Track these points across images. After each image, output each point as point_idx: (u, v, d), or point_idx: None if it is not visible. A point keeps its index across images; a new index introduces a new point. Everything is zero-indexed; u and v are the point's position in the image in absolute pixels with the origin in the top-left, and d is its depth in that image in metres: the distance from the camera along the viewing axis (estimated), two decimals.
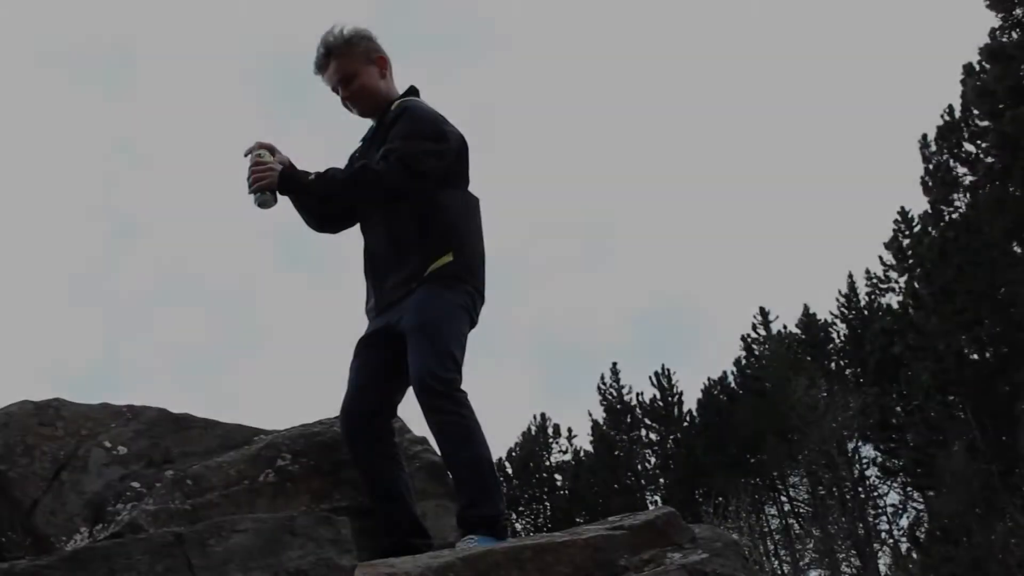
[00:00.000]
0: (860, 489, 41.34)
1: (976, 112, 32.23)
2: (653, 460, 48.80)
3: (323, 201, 4.21)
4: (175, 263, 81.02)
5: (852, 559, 39.51)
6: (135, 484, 4.06)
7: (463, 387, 3.99)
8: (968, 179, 33.31)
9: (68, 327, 75.86)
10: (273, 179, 4.02)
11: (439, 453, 4.07)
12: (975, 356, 32.18)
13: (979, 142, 32.68)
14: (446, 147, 4.14)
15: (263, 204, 4.03)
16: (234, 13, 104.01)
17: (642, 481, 47.57)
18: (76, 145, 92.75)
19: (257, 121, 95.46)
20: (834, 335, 47.21)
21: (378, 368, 4.17)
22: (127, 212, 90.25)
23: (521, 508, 48.47)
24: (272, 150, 4.12)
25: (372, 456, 4.11)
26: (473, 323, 4.19)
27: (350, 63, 4.29)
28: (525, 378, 74.00)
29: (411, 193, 4.06)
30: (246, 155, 4.12)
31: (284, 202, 4.13)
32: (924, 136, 34.98)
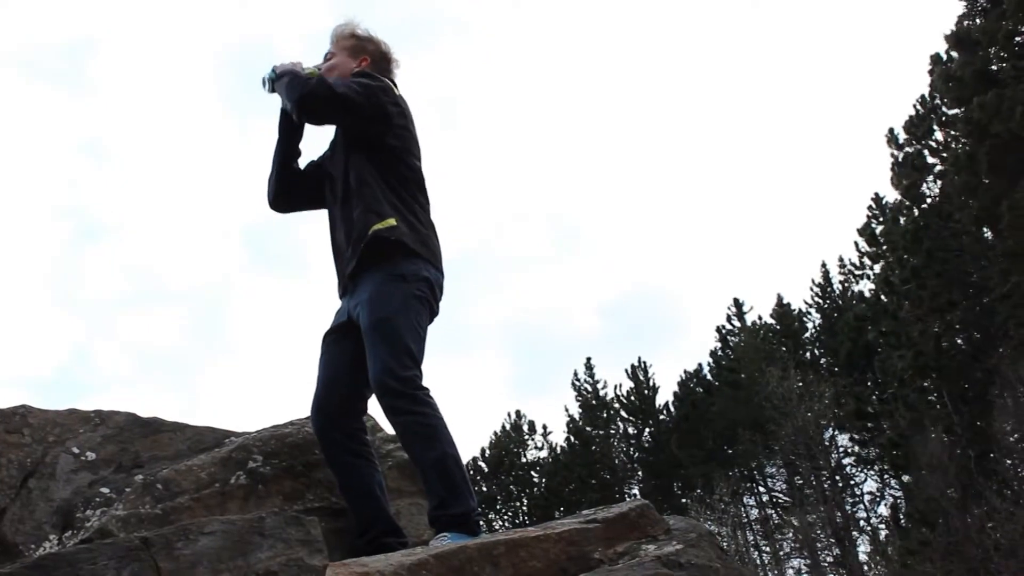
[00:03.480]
0: (838, 477, 41.49)
1: (944, 100, 32.42)
2: (630, 454, 48.85)
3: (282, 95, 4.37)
4: (142, 264, 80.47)
5: (832, 547, 39.67)
6: (104, 490, 4.02)
7: (425, 383, 3.99)
8: (938, 168, 33.52)
9: (34, 331, 75.16)
10: (283, 65, 4.34)
11: (408, 456, 4.04)
12: (949, 342, 32.34)
13: (948, 131, 32.89)
14: (371, 86, 4.30)
15: (264, 80, 4.36)
16: (198, 10, 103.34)
17: (620, 475, 47.60)
18: (38, 145, 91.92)
19: (223, 118, 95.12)
20: (809, 324, 47.42)
21: (344, 363, 4.17)
22: (93, 212, 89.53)
23: (499, 506, 48.45)
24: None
25: (345, 455, 4.10)
26: (434, 313, 4.23)
27: (339, 47, 4.60)
28: (499, 373, 73.96)
29: (325, 107, 4.24)
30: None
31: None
32: (891, 129, 35.25)
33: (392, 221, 4.12)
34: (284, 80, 4.26)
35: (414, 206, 4.28)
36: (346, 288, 4.24)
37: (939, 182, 33.18)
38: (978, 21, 29.66)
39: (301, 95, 4.19)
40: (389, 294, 4.03)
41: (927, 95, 34.18)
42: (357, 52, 4.56)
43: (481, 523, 3.93)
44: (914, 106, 34.70)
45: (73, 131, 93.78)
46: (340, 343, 4.21)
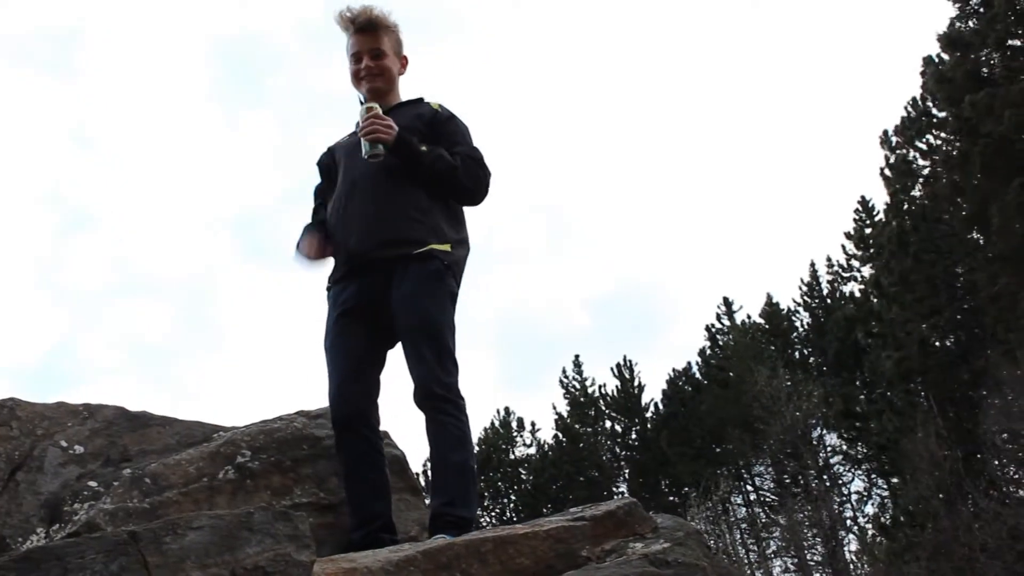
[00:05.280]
0: (825, 477, 41.59)
1: (936, 101, 32.47)
2: (617, 452, 48.91)
3: (423, 171, 4.23)
4: (130, 254, 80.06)
5: (819, 546, 39.76)
6: (92, 483, 4.01)
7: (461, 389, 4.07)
8: (927, 169, 33.60)
9: (19, 320, 74.57)
10: (392, 136, 4.14)
11: (428, 454, 4.03)
12: (936, 343, 32.42)
13: (938, 132, 32.96)
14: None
15: (375, 156, 4.17)
16: None
17: (608, 473, 47.64)
18: (24, 133, 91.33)
19: (212, 109, 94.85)
20: (797, 324, 47.52)
21: (364, 350, 4.18)
22: (79, 201, 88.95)
23: (486, 503, 48.45)
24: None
25: (362, 444, 4.10)
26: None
27: (387, 42, 4.45)
28: (487, 370, 73.85)
29: (479, 199, 4.31)
30: (364, 107, 4.28)
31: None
32: (885, 132, 35.34)
33: (448, 247, 4.18)
34: (455, 175, 4.21)
35: (464, 232, 4.36)
36: (353, 270, 4.21)
37: (927, 184, 33.25)
38: (971, 23, 29.70)
39: (474, 188, 4.28)
40: (431, 293, 4.07)
41: (918, 97, 34.25)
42: (399, 50, 4.53)
43: None
44: (905, 108, 34.79)
45: (60, 119, 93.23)
46: (355, 327, 4.19)
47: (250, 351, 75.08)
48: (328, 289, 4.37)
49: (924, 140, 33.90)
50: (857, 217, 40.19)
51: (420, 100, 4.50)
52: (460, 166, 4.20)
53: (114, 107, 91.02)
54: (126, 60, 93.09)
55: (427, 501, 4.31)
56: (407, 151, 4.17)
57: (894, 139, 34.84)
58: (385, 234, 4.15)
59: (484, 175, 4.26)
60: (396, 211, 4.17)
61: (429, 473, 4.15)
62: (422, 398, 3.97)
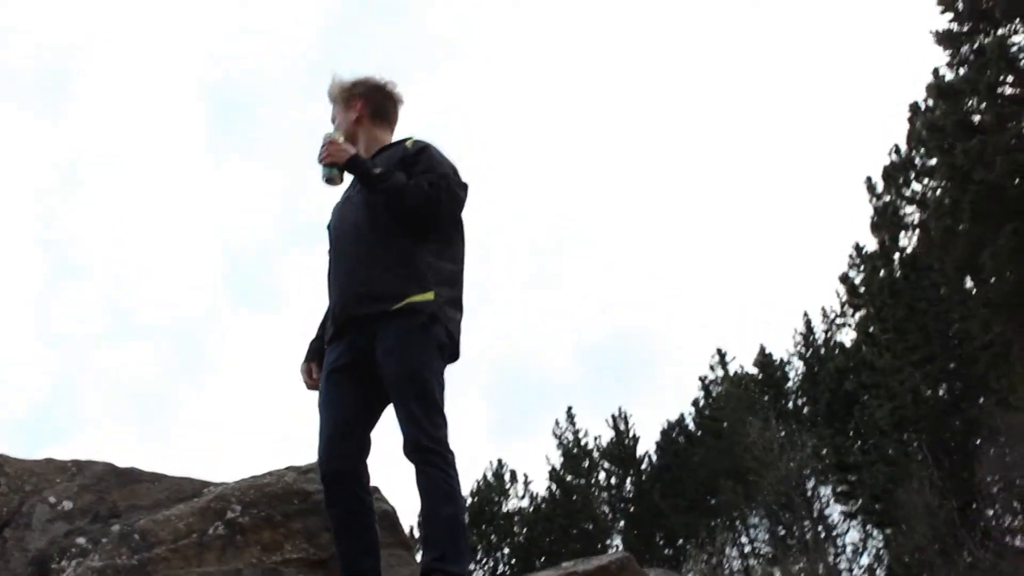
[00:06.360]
0: (820, 528, 41.38)
1: (924, 149, 32.64)
2: (612, 504, 48.65)
3: (377, 194, 4.22)
4: (119, 300, 79.47)
5: None
6: (81, 540, 3.98)
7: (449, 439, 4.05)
8: (916, 217, 33.72)
9: (6, 370, 73.89)
10: (344, 156, 4.22)
11: (420, 508, 4.01)
12: (929, 392, 32.39)
13: (926, 179, 33.12)
14: (467, 189, 4.33)
15: (330, 180, 4.25)
16: (179, 36, 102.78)
17: (602, 526, 47.36)
18: (11, 170, 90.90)
19: (201, 148, 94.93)
20: (791, 374, 47.43)
21: (356, 406, 4.18)
22: (68, 244, 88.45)
23: (479, 558, 48.08)
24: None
25: (352, 501, 4.08)
26: (454, 357, 4.26)
27: (339, 111, 4.64)
28: (477, 418, 73.44)
29: (445, 219, 4.23)
30: (325, 136, 4.35)
31: None
32: (869, 178, 35.50)
33: (431, 295, 4.13)
34: (404, 197, 4.13)
35: (454, 279, 4.32)
36: (343, 329, 4.21)
37: (917, 232, 33.38)
38: (960, 71, 29.88)
39: (430, 208, 4.14)
40: (415, 346, 4.06)
41: (901, 144, 34.47)
42: (350, 102, 4.59)
43: None
44: (889, 155, 34.99)
45: (49, 157, 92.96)
46: (346, 385, 4.18)
47: (241, 403, 74.65)
48: (325, 347, 4.38)
49: (910, 189, 34.09)
50: (851, 262, 40.21)
51: (401, 142, 4.51)
52: (409, 183, 4.14)
53: (104, 150, 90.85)
54: (117, 101, 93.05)
55: (419, 556, 4.28)
56: (360, 169, 4.21)
57: (879, 185, 35.02)
58: (362, 290, 4.16)
59: (435, 192, 4.12)
60: (374, 266, 4.17)
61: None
62: (411, 451, 3.96)
